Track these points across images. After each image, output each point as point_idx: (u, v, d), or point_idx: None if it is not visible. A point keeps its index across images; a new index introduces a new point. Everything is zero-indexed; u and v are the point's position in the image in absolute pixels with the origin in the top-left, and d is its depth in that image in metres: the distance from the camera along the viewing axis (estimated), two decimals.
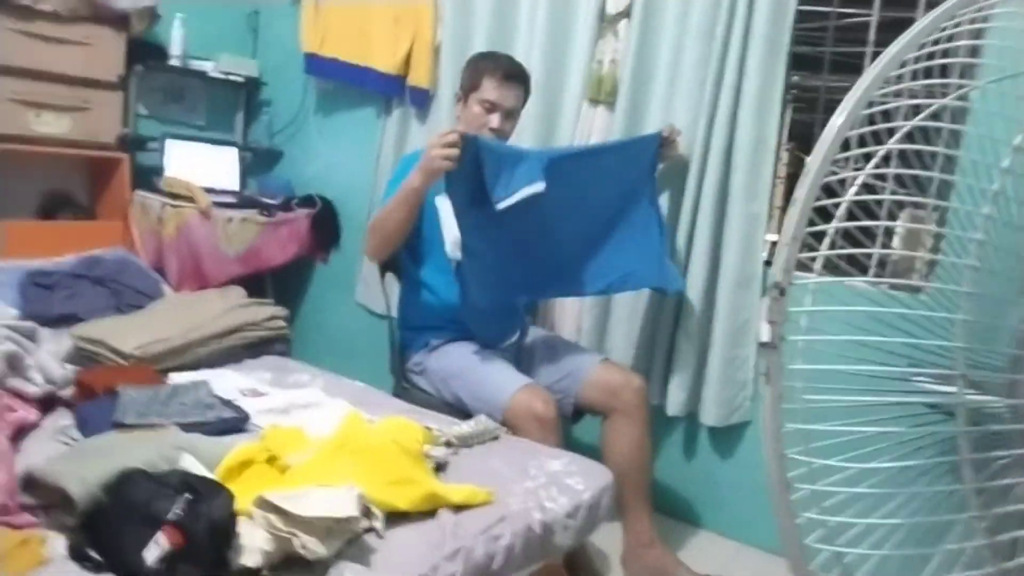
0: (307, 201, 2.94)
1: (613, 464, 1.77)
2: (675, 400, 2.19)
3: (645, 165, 2.07)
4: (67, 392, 1.65)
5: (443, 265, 2.03)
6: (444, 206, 1.94)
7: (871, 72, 1.08)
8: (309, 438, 1.45)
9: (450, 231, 1.94)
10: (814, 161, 1.05)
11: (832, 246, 1.09)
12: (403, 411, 1.84)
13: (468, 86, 2.02)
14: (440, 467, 1.48)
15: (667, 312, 2.21)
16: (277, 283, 3.04)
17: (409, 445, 1.37)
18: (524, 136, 2.41)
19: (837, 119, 1.07)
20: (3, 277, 2.21)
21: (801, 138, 2.25)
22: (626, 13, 2.25)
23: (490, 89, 1.98)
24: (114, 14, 2.48)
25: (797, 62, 2.12)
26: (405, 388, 2.09)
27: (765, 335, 1.07)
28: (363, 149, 2.89)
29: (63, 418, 1.56)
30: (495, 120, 1.99)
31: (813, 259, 1.11)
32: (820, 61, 2.21)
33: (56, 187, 2.68)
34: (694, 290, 2.15)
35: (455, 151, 1.73)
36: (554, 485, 1.50)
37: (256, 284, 2.82)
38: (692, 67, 2.14)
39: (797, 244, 1.05)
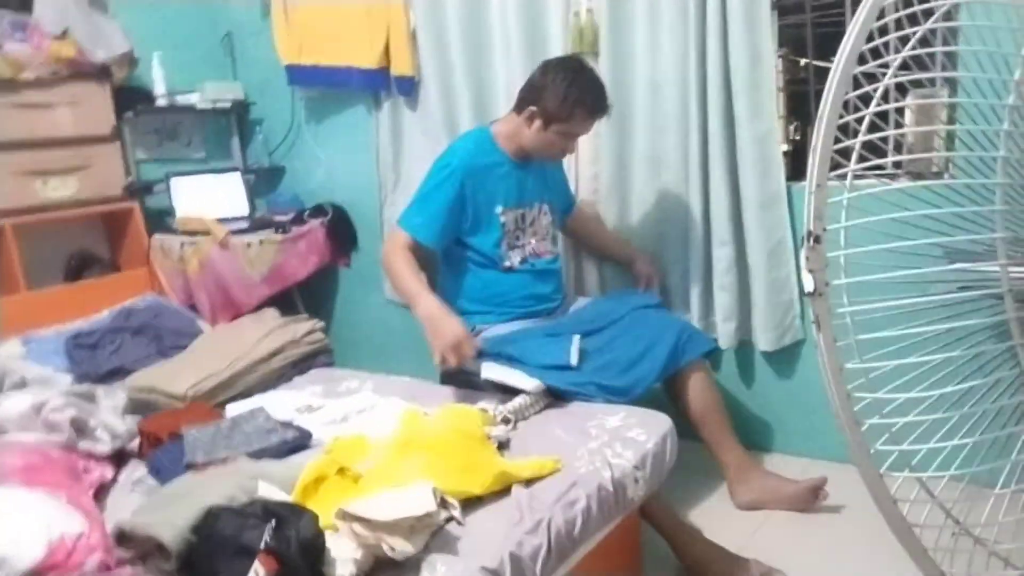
0: (318, 210, 2.96)
1: (691, 409, 1.86)
2: (725, 332, 2.20)
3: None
4: (134, 444, 1.71)
5: (493, 259, 2.04)
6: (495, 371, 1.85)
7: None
8: (372, 443, 1.49)
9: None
10: (825, 108, 1.03)
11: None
12: (455, 398, 1.88)
13: (553, 112, 1.90)
14: (503, 445, 1.51)
15: (696, 247, 2.21)
16: (305, 295, 3.08)
17: (470, 430, 1.40)
18: (513, 96, 2.40)
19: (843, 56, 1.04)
20: (48, 345, 2.27)
21: (793, 44, 2.19)
22: None
23: (582, 125, 1.95)
24: (94, 67, 2.49)
25: None
26: (452, 374, 2.12)
27: (808, 284, 1.07)
28: (361, 147, 2.90)
29: (137, 469, 1.62)
30: (569, 148, 2.01)
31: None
32: None
33: (77, 248, 2.73)
34: (719, 220, 2.14)
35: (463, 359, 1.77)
36: (617, 441, 1.53)
37: (286, 301, 2.86)
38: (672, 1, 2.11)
39: (823, 191, 1.03)
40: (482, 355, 1.83)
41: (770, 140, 2.07)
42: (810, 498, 1.89)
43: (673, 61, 2.15)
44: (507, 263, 2.05)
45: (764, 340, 2.18)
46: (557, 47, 2.31)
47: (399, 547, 1.09)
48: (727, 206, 2.14)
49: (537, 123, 1.94)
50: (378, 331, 3.07)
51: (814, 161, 1.05)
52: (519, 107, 1.99)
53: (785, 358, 2.24)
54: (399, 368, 2.37)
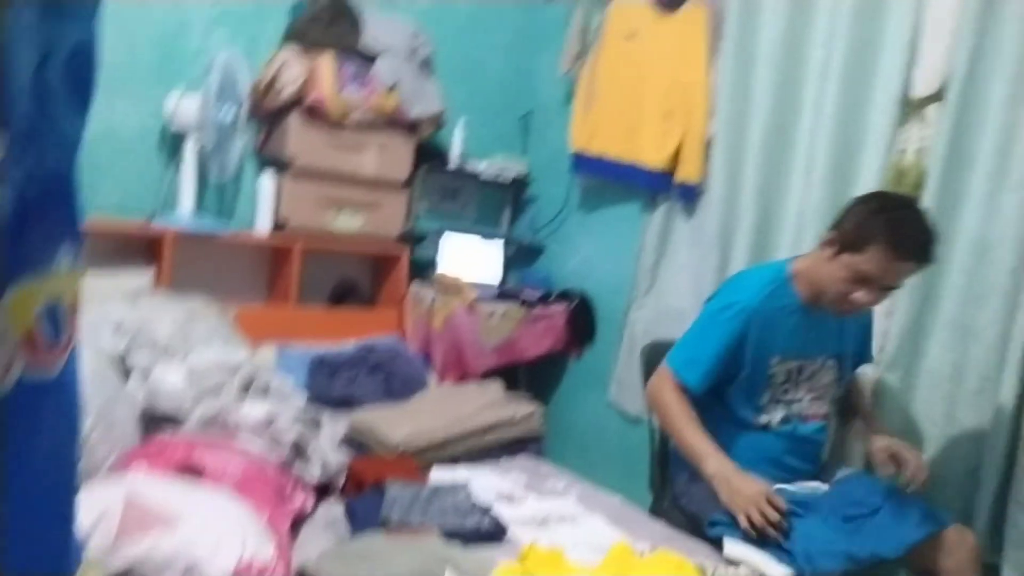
0: (565, 295, 2.94)
1: None
2: (1016, 560, 1.75)
3: None
4: (340, 479, 1.71)
5: (747, 413, 1.77)
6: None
7: None
8: (569, 564, 1.33)
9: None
10: None
11: None
12: (665, 537, 1.67)
13: (849, 240, 1.58)
14: None
15: (996, 446, 1.80)
16: (531, 376, 3.04)
17: None
18: (805, 234, 2.19)
19: None
20: (296, 360, 2.42)
21: None
22: (938, 96, 1.97)
23: (877, 264, 1.54)
24: (407, 121, 2.71)
25: None
26: (666, 508, 1.90)
27: None
28: (624, 245, 2.84)
29: (335, 507, 1.60)
30: (864, 297, 1.59)
31: None
32: None
33: (345, 276, 2.94)
34: None
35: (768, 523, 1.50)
36: None
37: (510, 375, 2.83)
38: None
39: None
40: (791, 514, 1.55)
41: None
42: None
43: (1016, 222, 1.82)
44: (763, 418, 1.76)
45: None
46: (868, 185, 2.07)
47: None
48: None
49: (831, 252, 1.63)
50: (593, 434, 2.94)
51: None
52: (822, 238, 1.70)
53: None
54: (605, 476, 2.20)
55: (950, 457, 1.91)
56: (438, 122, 2.81)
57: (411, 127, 2.75)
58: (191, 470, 1.28)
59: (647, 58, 2.68)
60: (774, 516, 1.48)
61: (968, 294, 1.90)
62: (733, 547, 1.54)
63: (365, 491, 1.62)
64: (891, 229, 1.53)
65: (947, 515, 1.64)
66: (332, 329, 2.66)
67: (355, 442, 2.00)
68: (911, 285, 1.95)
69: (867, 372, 1.99)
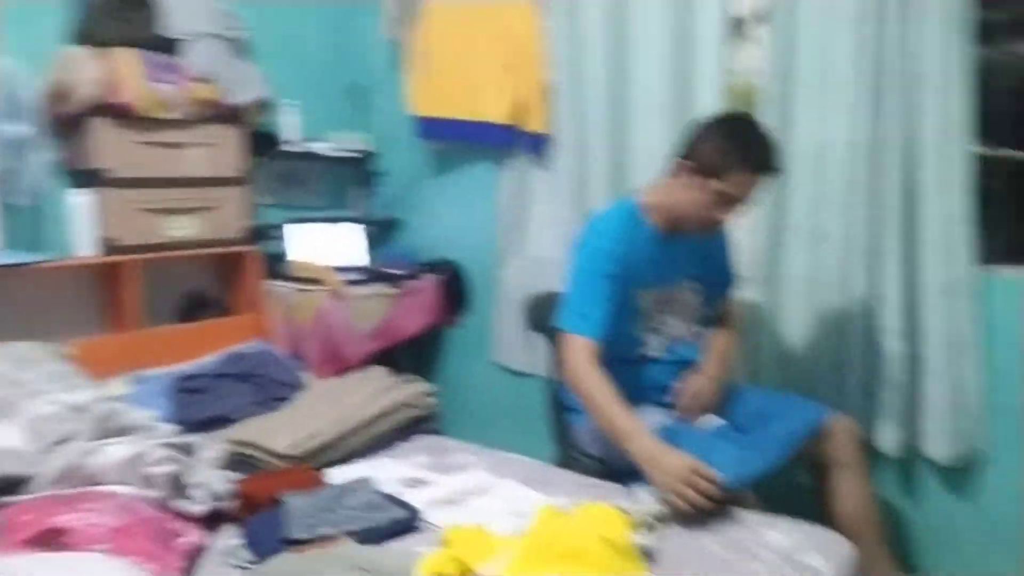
0: (433, 267, 2.86)
1: (842, 526, 1.52)
2: (889, 438, 1.89)
3: None
4: (231, 504, 1.56)
5: (628, 348, 1.79)
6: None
7: None
8: (495, 537, 1.28)
9: None
10: None
11: None
12: (579, 486, 1.67)
13: (707, 167, 1.63)
14: (648, 557, 1.27)
15: (858, 335, 1.93)
16: (409, 352, 2.94)
17: (617, 540, 1.17)
18: (657, 168, 2.22)
19: None
20: (154, 386, 2.20)
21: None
22: (765, 17, 2.04)
23: (737, 185, 1.62)
24: (230, 111, 2.49)
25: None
26: (574, 458, 1.90)
27: None
28: (483, 205, 2.78)
29: (231, 537, 1.46)
30: (724, 214, 1.68)
31: None
32: (995, 27, 1.90)
33: (192, 288, 2.69)
34: (890, 306, 1.87)
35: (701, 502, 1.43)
36: (788, 564, 1.26)
37: (390, 358, 2.73)
38: (846, 59, 1.90)
39: None
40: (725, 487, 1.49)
41: (956, 220, 1.80)
42: None
43: (843, 123, 1.93)
44: (643, 350, 1.80)
45: (939, 450, 1.86)
46: (708, 106, 2.13)
47: None
48: (899, 290, 1.87)
49: (689, 180, 1.66)
50: (483, 397, 2.90)
51: None
52: (672, 167, 1.74)
53: (961, 475, 1.91)
54: (504, 438, 2.18)
55: (818, 355, 2.03)
56: (265, 107, 2.61)
57: (236, 116, 2.53)
58: (52, 538, 1.11)
59: (476, 13, 2.60)
60: (707, 487, 1.42)
61: (813, 198, 2.01)
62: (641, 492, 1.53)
63: (261, 511, 1.49)
64: (748, 152, 1.62)
65: (824, 407, 1.74)
66: (188, 347, 2.44)
67: (241, 461, 1.84)
68: (763, 200, 2.04)
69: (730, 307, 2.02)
